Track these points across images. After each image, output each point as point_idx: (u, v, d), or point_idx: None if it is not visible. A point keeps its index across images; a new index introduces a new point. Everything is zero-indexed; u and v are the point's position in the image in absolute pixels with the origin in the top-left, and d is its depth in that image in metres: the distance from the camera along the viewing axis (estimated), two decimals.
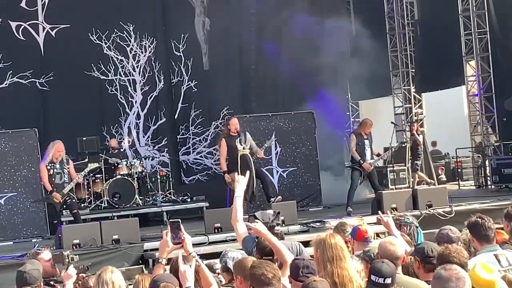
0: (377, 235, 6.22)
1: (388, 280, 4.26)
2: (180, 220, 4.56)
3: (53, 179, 11.38)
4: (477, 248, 5.23)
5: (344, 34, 16.98)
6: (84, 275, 5.68)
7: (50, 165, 11.42)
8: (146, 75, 16.26)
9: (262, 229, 5.16)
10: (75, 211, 11.59)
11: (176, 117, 16.52)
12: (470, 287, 3.45)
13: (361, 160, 12.24)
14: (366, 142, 12.44)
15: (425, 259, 4.87)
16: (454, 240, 5.47)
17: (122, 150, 15.29)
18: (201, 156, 16.59)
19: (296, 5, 16.44)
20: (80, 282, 5.61)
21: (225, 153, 11.95)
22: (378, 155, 12.79)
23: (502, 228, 5.91)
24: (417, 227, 6.01)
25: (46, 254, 6.05)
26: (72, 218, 11.67)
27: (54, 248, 9.67)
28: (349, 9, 18.35)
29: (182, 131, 16.51)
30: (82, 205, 13.32)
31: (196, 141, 16.56)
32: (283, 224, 9.42)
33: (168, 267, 4.77)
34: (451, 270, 3.51)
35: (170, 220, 4.67)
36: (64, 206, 11.52)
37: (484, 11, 15.78)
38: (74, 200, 11.67)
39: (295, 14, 16.30)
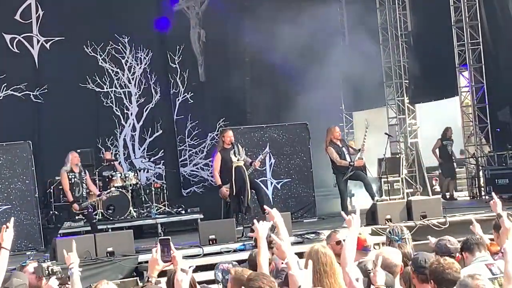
0: (373, 245, 6.22)
1: None
2: (170, 237, 4.54)
3: (74, 187, 11.61)
4: (470, 260, 5.25)
5: (338, 45, 17.03)
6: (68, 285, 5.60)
7: (70, 174, 11.57)
8: (142, 87, 16.29)
9: (277, 216, 5.22)
10: (94, 221, 12.17)
11: (172, 129, 16.53)
12: None
13: (350, 163, 12.19)
14: (344, 149, 12.37)
15: (418, 269, 4.91)
16: (452, 251, 5.44)
17: (118, 162, 15.29)
18: (197, 168, 16.59)
19: (291, 17, 16.50)
20: None
21: (218, 167, 11.92)
22: (358, 150, 12.52)
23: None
24: (397, 241, 5.94)
25: (31, 267, 6.01)
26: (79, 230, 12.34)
27: (49, 260, 9.66)
28: (343, 21, 18.43)
29: (177, 142, 16.53)
30: (77, 217, 13.31)
31: (193, 153, 16.57)
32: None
33: (164, 279, 4.76)
34: (478, 280, 3.80)
35: (160, 238, 4.65)
36: (82, 216, 12.04)
37: (477, 22, 15.83)
38: (90, 210, 12.10)
39: (290, 26, 16.36)
